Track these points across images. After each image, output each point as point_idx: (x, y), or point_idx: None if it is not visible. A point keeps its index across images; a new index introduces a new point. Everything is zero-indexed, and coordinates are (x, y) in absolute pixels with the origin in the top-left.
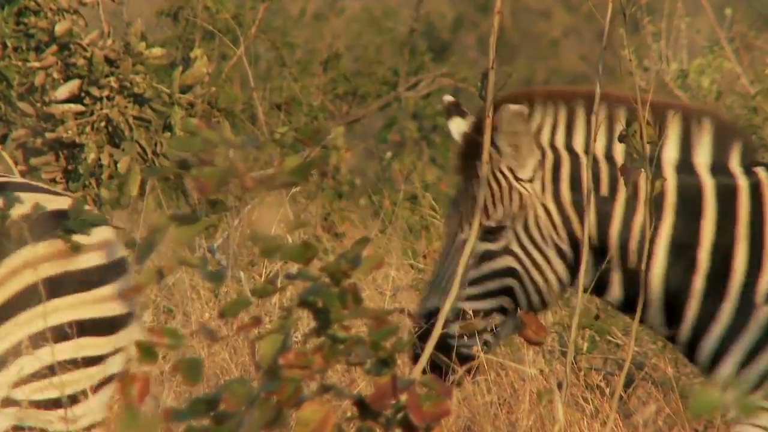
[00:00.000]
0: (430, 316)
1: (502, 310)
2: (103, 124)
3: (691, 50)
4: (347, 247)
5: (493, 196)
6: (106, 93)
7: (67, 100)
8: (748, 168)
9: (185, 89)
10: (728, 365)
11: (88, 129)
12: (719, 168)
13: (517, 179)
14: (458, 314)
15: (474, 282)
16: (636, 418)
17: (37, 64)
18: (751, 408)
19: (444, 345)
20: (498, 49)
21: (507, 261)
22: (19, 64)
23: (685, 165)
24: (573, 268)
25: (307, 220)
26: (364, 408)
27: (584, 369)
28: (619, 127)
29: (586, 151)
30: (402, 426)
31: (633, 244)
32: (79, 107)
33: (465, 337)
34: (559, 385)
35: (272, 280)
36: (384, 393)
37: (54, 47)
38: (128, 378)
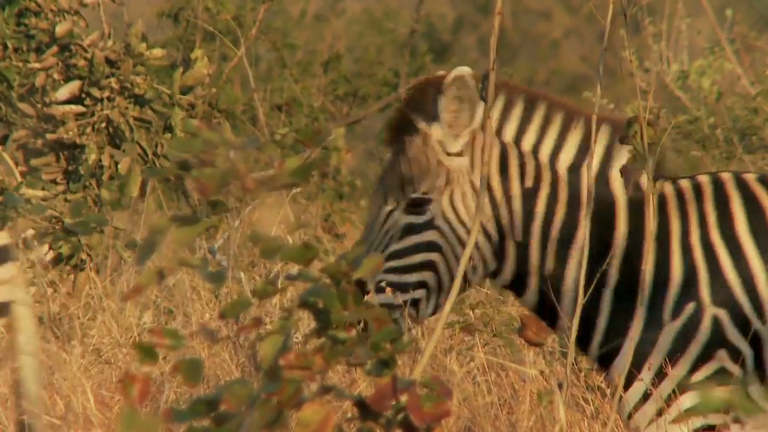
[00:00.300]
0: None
1: (423, 285)
2: (103, 125)
3: (691, 51)
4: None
5: (420, 168)
6: (106, 94)
7: (68, 101)
8: (655, 181)
9: (186, 90)
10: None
11: (88, 130)
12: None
13: (447, 154)
14: (378, 287)
15: (396, 255)
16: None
17: (37, 65)
18: (752, 409)
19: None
20: (499, 50)
21: (431, 235)
22: (20, 65)
23: (601, 176)
24: (497, 251)
25: (307, 221)
26: (365, 409)
27: (585, 370)
28: (555, 128)
29: (515, 142)
30: (402, 427)
31: (552, 248)
32: (79, 108)
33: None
34: (560, 386)
35: (273, 281)
36: (384, 394)
37: (54, 48)
38: (128, 378)
